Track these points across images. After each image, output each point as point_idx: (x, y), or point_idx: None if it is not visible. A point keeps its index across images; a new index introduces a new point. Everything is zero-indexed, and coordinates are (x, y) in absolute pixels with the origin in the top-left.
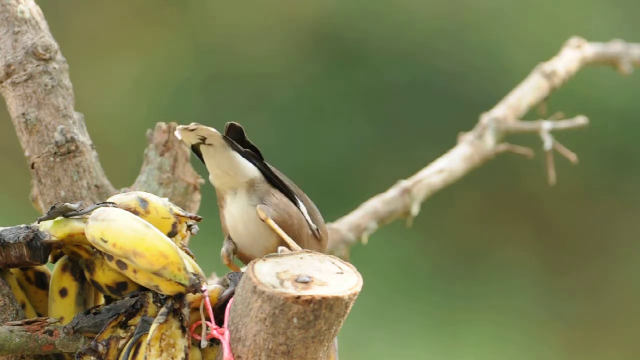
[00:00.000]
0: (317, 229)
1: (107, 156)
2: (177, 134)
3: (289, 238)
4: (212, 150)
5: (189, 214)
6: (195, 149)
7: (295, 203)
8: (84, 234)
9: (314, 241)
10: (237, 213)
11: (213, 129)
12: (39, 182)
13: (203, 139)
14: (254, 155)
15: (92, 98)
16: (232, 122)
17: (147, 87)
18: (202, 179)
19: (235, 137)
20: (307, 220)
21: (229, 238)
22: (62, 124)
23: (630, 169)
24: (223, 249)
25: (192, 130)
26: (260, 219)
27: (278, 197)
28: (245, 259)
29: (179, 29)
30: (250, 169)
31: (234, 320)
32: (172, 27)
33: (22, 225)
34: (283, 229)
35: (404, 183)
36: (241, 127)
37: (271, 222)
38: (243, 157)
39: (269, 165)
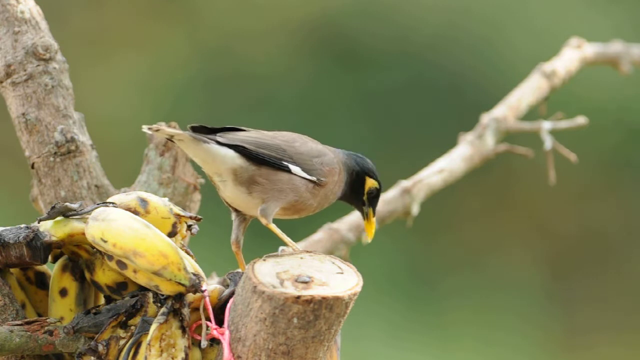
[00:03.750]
0: (317, 179)
1: (108, 156)
2: (145, 131)
3: (289, 239)
4: (185, 145)
5: (189, 214)
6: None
7: (285, 167)
8: (84, 234)
9: (317, 189)
10: (232, 196)
11: (177, 130)
12: (39, 182)
13: (170, 137)
14: (230, 134)
15: (92, 98)
16: (191, 125)
17: (148, 87)
18: (202, 179)
19: (202, 130)
20: (302, 177)
21: (236, 214)
22: (62, 124)
23: (630, 169)
24: (233, 236)
25: (157, 131)
26: (263, 224)
27: (263, 179)
28: (250, 216)
29: (181, 30)
30: (229, 156)
31: (234, 320)
32: (174, 28)
33: (22, 225)
34: (279, 201)
35: (404, 183)
36: (202, 125)
37: (272, 227)
38: (221, 145)
39: (248, 141)
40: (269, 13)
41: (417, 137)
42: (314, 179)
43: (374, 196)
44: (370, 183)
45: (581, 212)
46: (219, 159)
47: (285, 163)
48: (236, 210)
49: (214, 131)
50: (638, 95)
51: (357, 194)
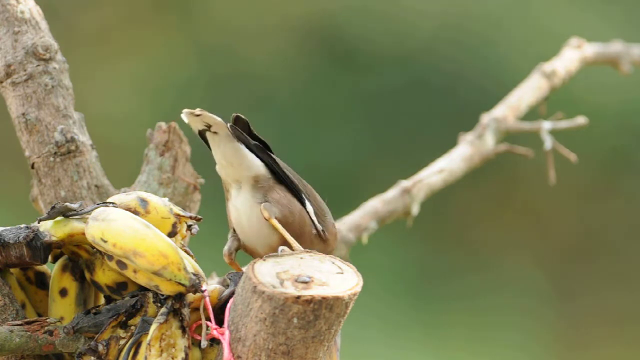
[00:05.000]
0: (322, 230)
1: (107, 156)
2: (184, 117)
3: (291, 237)
4: (217, 139)
5: (189, 214)
6: (202, 135)
7: (301, 200)
8: (84, 234)
9: (318, 241)
10: (241, 208)
11: (219, 118)
12: (39, 182)
13: (209, 126)
14: (262, 148)
15: (92, 98)
16: (238, 114)
17: (148, 87)
18: (202, 179)
19: (242, 130)
20: (312, 219)
21: (233, 233)
22: (62, 124)
23: (630, 169)
24: (225, 247)
25: (197, 115)
26: (264, 218)
27: (281, 194)
28: (249, 253)
29: (180, 30)
30: (256, 164)
31: (234, 320)
32: (173, 28)
33: (22, 225)
34: (283, 226)
35: (404, 183)
36: (247, 120)
37: (274, 222)
38: (250, 150)
39: (277, 160)
40: (269, 14)
41: (417, 138)
42: (320, 228)
43: None
44: None
45: (582, 211)
46: (245, 163)
47: (304, 197)
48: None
49: (251, 135)
50: (638, 96)
51: None
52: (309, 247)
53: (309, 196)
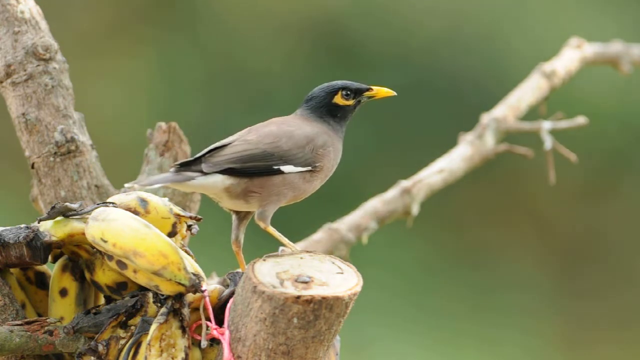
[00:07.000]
0: (311, 168)
1: (108, 156)
2: (128, 185)
3: (288, 241)
4: (173, 186)
5: (189, 214)
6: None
7: (277, 170)
8: (84, 234)
9: (317, 175)
10: (232, 206)
11: (159, 184)
12: (39, 182)
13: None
14: (217, 149)
15: (92, 98)
16: (175, 163)
17: (148, 87)
18: None
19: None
20: (297, 172)
21: (236, 218)
22: (62, 124)
23: (630, 168)
24: (232, 236)
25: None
26: (262, 228)
27: (257, 188)
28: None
29: (180, 29)
30: (219, 182)
31: (234, 320)
32: (173, 28)
33: (22, 225)
34: (277, 203)
35: (404, 183)
36: (183, 160)
37: (270, 230)
38: (206, 173)
39: (234, 163)
40: (269, 15)
41: (417, 138)
42: (308, 168)
43: (353, 92)
44: (338, 98)
45: (582, 211)
46: (209, 186)
47: (276, 167)
48: (236, 212)
49: (198, 157)
50: (638, 96)
51: (346, 112)
52: (313, 186)
53: (281, 158)
